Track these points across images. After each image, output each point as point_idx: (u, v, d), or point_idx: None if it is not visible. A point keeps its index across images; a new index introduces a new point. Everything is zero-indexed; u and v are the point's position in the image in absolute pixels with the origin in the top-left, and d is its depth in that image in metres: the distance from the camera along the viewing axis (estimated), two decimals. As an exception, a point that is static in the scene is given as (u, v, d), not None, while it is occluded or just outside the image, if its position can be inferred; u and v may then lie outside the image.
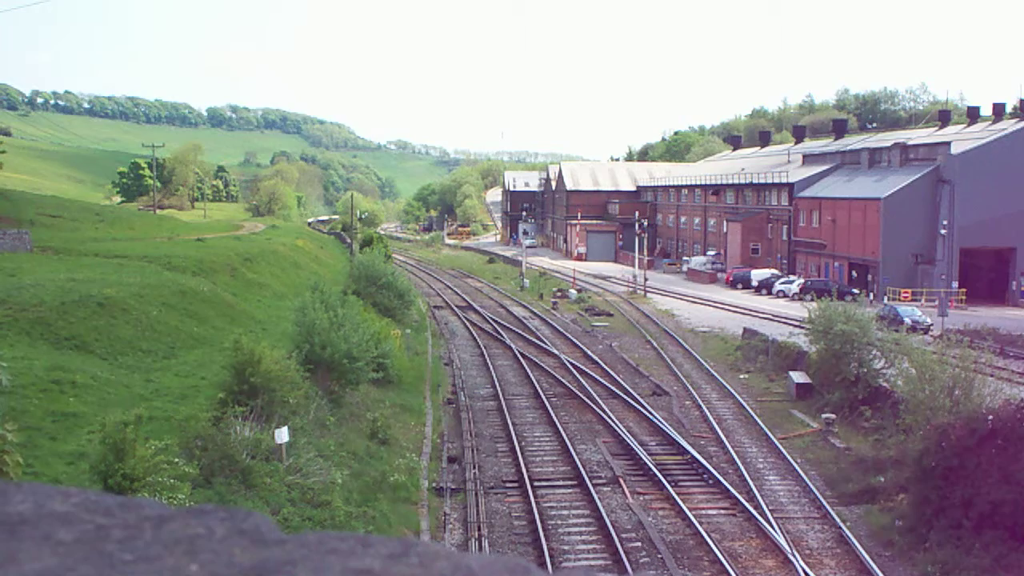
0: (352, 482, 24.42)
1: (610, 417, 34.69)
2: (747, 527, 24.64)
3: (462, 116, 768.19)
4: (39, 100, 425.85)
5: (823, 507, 25.97)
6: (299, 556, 1.32)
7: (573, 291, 76.22)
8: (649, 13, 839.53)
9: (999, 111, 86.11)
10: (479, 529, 24.16)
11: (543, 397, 38.38)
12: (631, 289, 78.46)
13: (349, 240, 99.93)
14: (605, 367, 44.80)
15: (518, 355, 47.44)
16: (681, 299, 72.14)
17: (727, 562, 21.83)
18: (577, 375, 42.67)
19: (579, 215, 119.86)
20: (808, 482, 27.96)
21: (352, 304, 34.68)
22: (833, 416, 33.82)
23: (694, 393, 39.57)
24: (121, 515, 1.42)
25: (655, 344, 51.62)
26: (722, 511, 25.88)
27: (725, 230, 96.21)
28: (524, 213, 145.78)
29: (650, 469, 28.73)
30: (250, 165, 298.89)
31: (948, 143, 73.68)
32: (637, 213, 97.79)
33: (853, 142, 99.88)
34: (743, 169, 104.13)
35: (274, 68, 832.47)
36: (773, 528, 23.97)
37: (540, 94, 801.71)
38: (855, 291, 52.42)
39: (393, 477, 25.98)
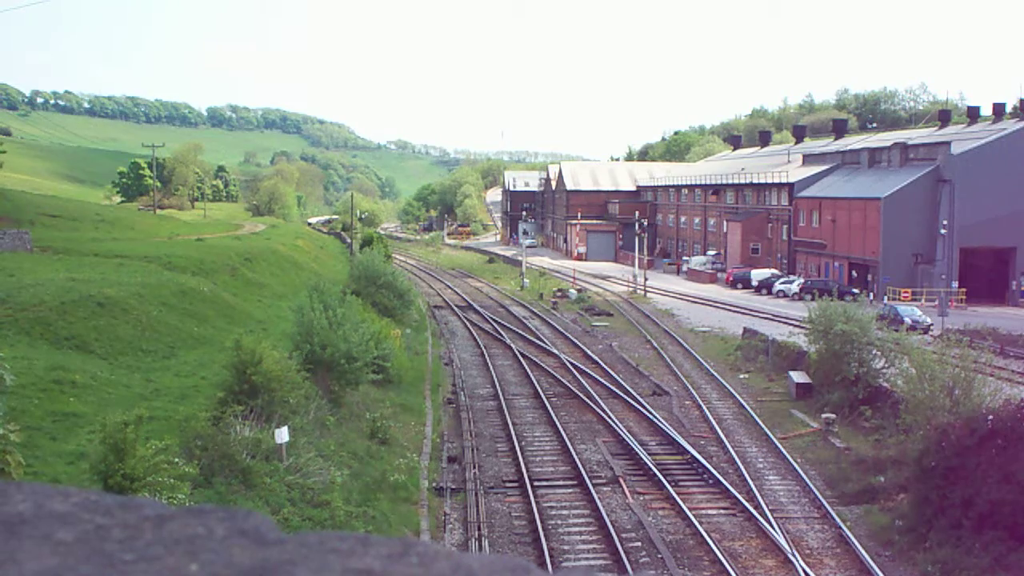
0: (352, 482, 24.41)
1: (610, 417, 34.68)
2: (747, 527, 24.64)
3: (462, 116, 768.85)
4: (39, 100, 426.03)
5: (823, 507, 25.97)
6: (299, 556, 1.32)
7: (573, 291, 76.23)
8: (649, 13, 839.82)
9: (999, 111, 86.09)
10: (479, 529, 24.16)
11: (543, 397, 38.37)
12: (631, 289, 78.46)
13: (349, 240, 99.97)
14: (605, 367, 44.80)
15: (518, 355, 47.43)
16: (681, 299, 72.15)
17: (727, 562, 21.83)
18: (577, 375, 42.67)
19: (579, 215, 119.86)
20: (808, 482, 27.95)
21: (351, 304, 34.68)
22: (833, 416, 33.81)
23: (694, 393, 39.57)
24: (121, 515, 1.42)
25: (655, 344, 51.62)
26: (722, 511, 25.88)
27: (725, 230, 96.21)
28: (524, 213, 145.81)
29: (650, 469, 28.72)
30: (250, 165, 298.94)
31: (948, 143, 73.67)
32: (637, 213, 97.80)
33: (853, 142, 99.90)
34: (743, 169, 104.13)
35: (274, 68, 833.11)
36: (773, 528, 23.97)
37: (540, 94, 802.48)
38: (855, 291, 52.44)
39: (393, 477, 25.98)
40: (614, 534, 23.43)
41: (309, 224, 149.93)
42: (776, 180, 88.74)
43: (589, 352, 48.86)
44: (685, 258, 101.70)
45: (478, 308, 67.08)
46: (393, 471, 26.40)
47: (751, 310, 63.03)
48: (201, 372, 29.29)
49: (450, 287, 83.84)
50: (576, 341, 52.42)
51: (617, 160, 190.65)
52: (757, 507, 25.63)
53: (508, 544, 23.63)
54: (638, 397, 38.45)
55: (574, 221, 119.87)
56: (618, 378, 42.36)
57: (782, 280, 75.42)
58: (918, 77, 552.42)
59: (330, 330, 30.12)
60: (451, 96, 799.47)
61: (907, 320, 49.89)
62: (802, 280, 74.36)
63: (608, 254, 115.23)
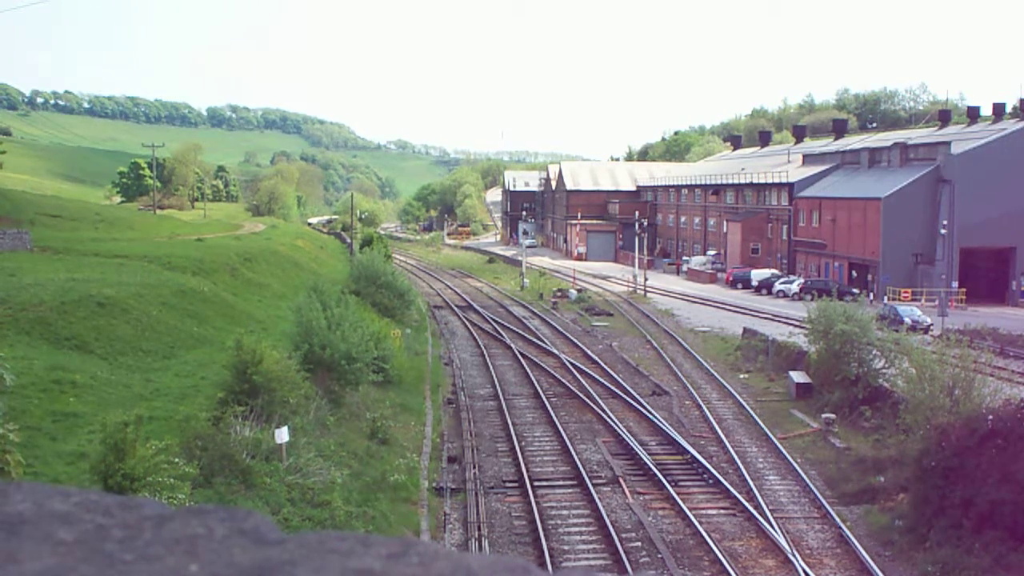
0: (352, 482, 24.42)
1: (610, 417, 34.69)
2: (747, 527, 24.64)
3: (462, 116, 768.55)
4: (39, 100, 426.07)
5: (823, 507, 25.98)
6: (299, 556, 1.32)
7: (573, 291, 76.22)
8: (649, 13, 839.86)
9: (999, 111, 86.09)
10: (479, 529, 24.16)
11: (543, 397, 38.37)
12: (631, 289, 78.45)
13: (349, 240, 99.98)
14: (605, 367, 44.80)
15: (518, 355, 47.43)
16: (681, 299, 72.15)
17: (727, 562, 21.83)
18: (577, 375, 42.66)
19: (579, 215, 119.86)
20: (808, 482, 27.96)
21: (350, 304, 34.68)
22: (833, 416, 33.82)
23: (694, 393, 39.56)
24: (121, 515, 1.42)
25: (655, 344, 51.62)
26: (722, 511, 25.89)
27: (725, 230, 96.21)
28: (524, 213, 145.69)
29: (650, 469, 28.73)
30: (250, 165, 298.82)
31: (948, 143, 73.67)
32: (637, 213, 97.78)
33: (853, 142, 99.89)
34: (743, 169, 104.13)
35: (274, 68, 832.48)
36: (773, 528, 23.97)
37: (540, 94, 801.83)
38: (855, 291, 52.44)
39: (393, 477, 25.98)
40: (614, 534, 23.43)
41: (309, 224, 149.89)
42: (776, 180, 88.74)
43: (589, 352, 48.86)
44: (685, 258, 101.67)
45: (478, 308, 67.08)
46: (393, 471, 26.40)
47: (751, 310, 63.02)
48: (201, 372, 29.30)
49: (450, 287, 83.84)
50: (576, 341, 52.42)
51: (617, 160, 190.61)
52: (757, 507, 25.63)
53: (508, 544, 23.64)
54: (638, 397, 38.45)
55: (574, 221, 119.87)
56: (618, 378, 42.36)
57: (782, 280, 75.41)
58: (918, 77, 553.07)
59: (329, 330, 30.12)
60: (451, 96, 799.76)
61: (907, 320, 49.89)
62: (802, 280, 74.34)
63: (608, 254, 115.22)
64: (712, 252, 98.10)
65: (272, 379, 24.43)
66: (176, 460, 18.34)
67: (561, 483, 28.04)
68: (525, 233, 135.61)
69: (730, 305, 66.79)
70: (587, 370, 44.04)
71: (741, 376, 44.02)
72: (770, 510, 25.41)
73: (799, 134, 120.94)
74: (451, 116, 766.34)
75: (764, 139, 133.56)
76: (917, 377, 29.91)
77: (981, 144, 71.49)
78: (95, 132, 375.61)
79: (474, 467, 29.18)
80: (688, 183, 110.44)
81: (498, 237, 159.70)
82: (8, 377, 20.84)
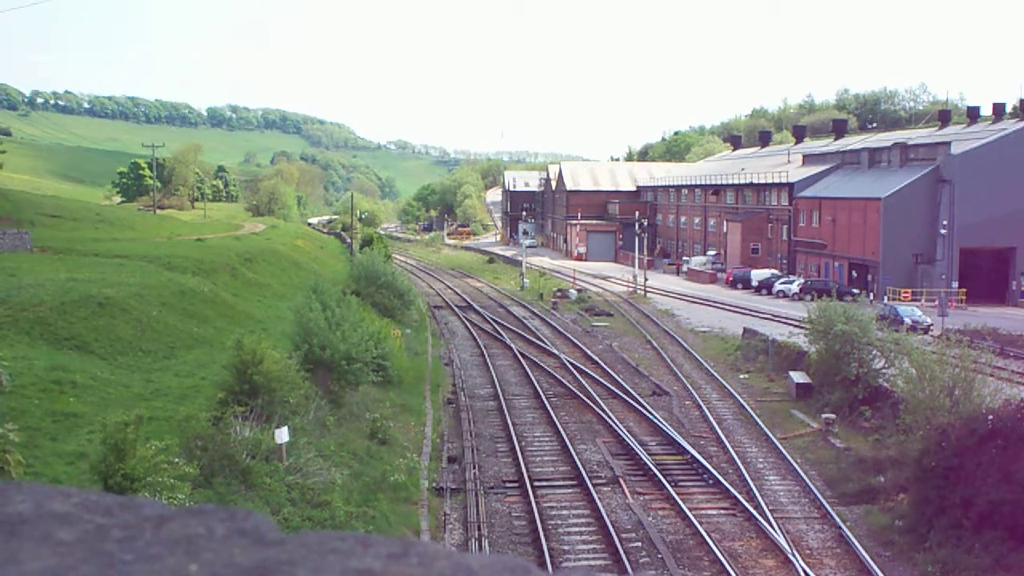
0: (352, 482, 24.42)
1: (610, 417, 34.68)
2: (747, 527, 24.64)
3: (462, 116, 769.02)
4: (39, 100, 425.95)
5: (823, 507, 25.97)
6: (299, 556, 1.32)
7: (573, 291, 76.21)
8: (649, 13, 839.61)
9: (999, 111, 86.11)
10: (479, 529, 24.16)
11: (543, 397, 38.36)
12: (631, 289, 78.44)
13: (349, 240, 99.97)
14: (605, 367, 44.79)
15: (518, 355, 47.42)
16: (681, 299, 72.14)
17: (727, 562, 21.83)
18: (577, 375, 42.66)
19: (579, 215, 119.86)
20: (808, 482, 27.95)
21: (350, 304, 34.68)
22: (833, 416, 33.82)
23: (694, 393, 39.56)
24: (121, 515, 1.42)
25: (655, 344, 51.61)
26: (722, 511, 25.88)
27: (725, 230, 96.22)
28: (524, 213, 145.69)
29: (650, 469, 28.72)
30: (250, 165, 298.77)
31: (948, 143, 73.67)
32: (637, 213, 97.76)
33: (853, 142, 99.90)
34: (743, 169, 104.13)
35: (274, 68, 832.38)
36: (773, 528, 23.97)
37: (540, 94, 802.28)
38: (855, 291, 52.45)
39: (393, 477, 25.98)
40: (614, 534, 23.43)
41: (309, 224, 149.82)
42: (776, 180, 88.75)
43: (589, 352, 48.85)
44: (685, 258, 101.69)
45: (478, 308, 67.07)
46: (393, 471, 26.40)
47: (751, 310, 63.01)
48: (201, 372, 29.28)
49: (450, 287, 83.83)
50: (576, 341, 52.41)
51: (617, 160, 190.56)
52: (757, 507, 25.63)
53: (508, 544, 23.63)
54: (638, 397, 38.45)
55: (574, 221, 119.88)
56: (618, 378, 42.36)
57: (782, 280, 75.40)
58: (918, 77, 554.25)
59: (329, 330, 30.12)
60: (451, 96, 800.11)
61: (907, 320, 49.89)
62: (802, 280, 74.35)
63: (608, 254, 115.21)
64: (712, 252, 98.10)
65: (272, 379, 24.44)
66: (176, 460, 18.34)
67: (561, 483, 28.03)
68: (525, 233, 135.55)
69: (730, 305, 66.78)
70: (587, 370, 44.03)
71: (741, 376, 44.02)
72: (770, 510, 25.41)
73: (799, 134, 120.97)
74: (451, 116, 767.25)
75: (764, 139, 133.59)
76: (917, 377, 29.90)
77: (981, 144, 71.49)
78: (95, 132, 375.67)
79: (474, 467, 29.18)
80: (688, 183, 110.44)
81: (498, 237, 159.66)
82: (5, 377, 20.86)
